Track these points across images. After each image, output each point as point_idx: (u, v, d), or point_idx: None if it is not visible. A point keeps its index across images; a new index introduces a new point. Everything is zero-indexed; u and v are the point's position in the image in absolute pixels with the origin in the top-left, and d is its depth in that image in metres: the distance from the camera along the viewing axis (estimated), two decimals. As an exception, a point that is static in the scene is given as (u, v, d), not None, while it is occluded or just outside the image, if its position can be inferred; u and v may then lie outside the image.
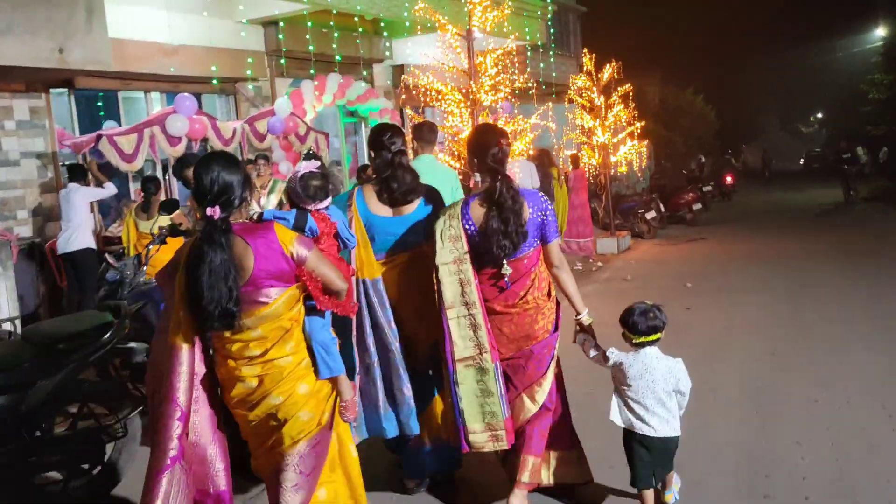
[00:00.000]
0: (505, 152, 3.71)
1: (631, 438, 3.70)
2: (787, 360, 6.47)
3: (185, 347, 3.06)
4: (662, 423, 3.63)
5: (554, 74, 17.14)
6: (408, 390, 3.90)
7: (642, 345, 3.63)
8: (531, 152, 13.47)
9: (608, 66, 13.83)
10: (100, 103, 10.48)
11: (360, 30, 13.07)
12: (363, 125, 14.42)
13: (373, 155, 4.10)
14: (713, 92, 36.84)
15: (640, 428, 3.64)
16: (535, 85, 19.87)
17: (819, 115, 55.93)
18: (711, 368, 6.19)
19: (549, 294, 3.84)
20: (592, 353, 3.81)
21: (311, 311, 3.24)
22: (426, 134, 5.11)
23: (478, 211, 3.69)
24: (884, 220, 16.67)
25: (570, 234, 13.56)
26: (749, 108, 47.36)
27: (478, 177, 3.83)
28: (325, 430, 3.21)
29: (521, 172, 11.63)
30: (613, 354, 3.71)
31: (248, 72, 11.81)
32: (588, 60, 13.81)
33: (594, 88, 13.65)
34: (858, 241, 13.41)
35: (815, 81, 46.86)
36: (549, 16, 16.66)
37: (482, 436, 3.72)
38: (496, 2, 15.37)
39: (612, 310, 4.21)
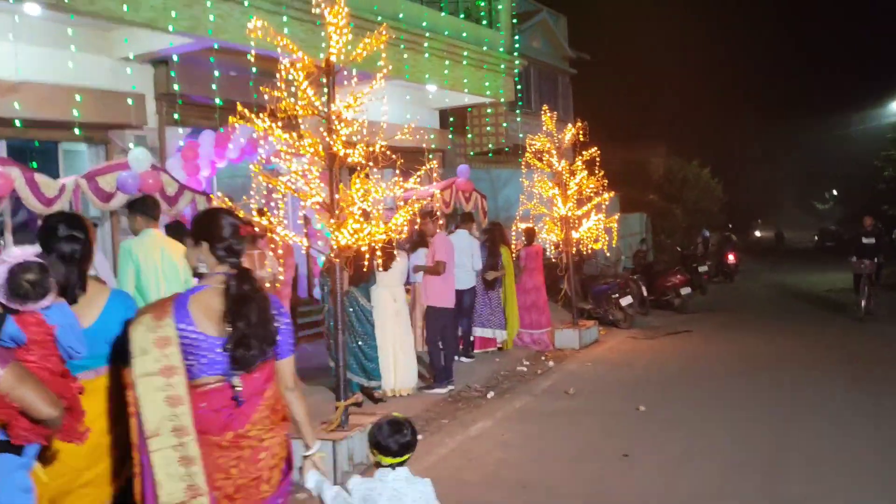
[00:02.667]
0: (241, 241, 3.16)
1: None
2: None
3: None
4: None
5: (521, 135, 15.08)
6: None
7: (392, 467, 3.19)
8: (483, 226, 11.28)
9: (570, 126, 11.73)
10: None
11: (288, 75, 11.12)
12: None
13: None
14: (722, 165, 34.89)
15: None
16: (496, 145, 17.85)
17: (834, 192, 53.85)
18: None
19: (284, 418, 3.26)
20: (330, 493, 3.20)
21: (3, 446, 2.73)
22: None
23: (202, 308, 3.05)
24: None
25: (522, 322, 11.25)
26: (760, 183, 45.37)
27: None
28: None
29: (459, 249, 9.45)
30: (357, 485, 3.19)
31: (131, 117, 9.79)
32: (547, 119, 11.72)
33: (552, 151, 11.53)
34: (871, 349, 10.99)
35: (829, 157, 44.93)
36: (517, 71, 14.69)
37: None
38: (453, 53, 13.55)
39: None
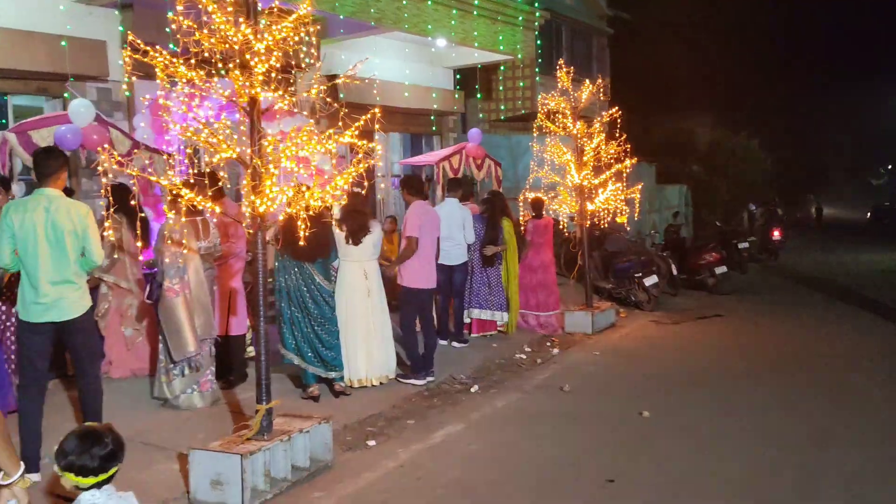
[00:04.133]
0: None
1: None
2: None
3: None
4: None
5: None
6: None
7: (98, 487, 2.70)
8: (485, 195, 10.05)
9: (587, 83, 10.38)
10: None
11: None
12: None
13: None
14: (772, 137, 32.88)
15: None
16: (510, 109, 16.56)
17: (889, 167, 51.07)
18: None
19: None
20: None
21: None
22: None
23: None
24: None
25: (528, 304, 10.04)
26: (810, 157, 43.03)
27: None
28: None
29: (448, 221, 8.27)
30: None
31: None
32: (563, 75, 10.38)
33: (567, 112, 10.21)
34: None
35: (885, 130, 42.36)
36: (537, 24, 13.33)
37: None
38: (462, 1, 12.24)
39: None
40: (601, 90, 10.39)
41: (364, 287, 7.02)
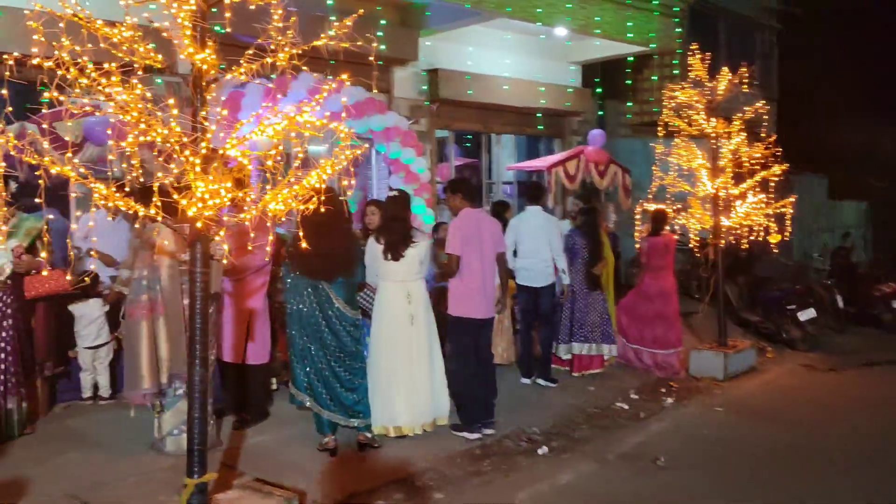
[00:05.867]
0: None
1: None
2: None
3: None
4: None
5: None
6: None
7: None
8: (576, 201, 8.38)
9: (724, 71, 8.44)
10: None
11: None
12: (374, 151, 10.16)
13: None
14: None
15: None
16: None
17: None
18: None
19: None
20: None
21: None
22: None
23: None
24: None
25: (642, 339, 8.27)
26: None
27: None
28: None
29: (531, 233, 6.80)
30: None
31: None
32: (696, 62, 8.51)
33: (699, 106, 8.34)
34: None
35: None
36: (676, 9, 11.42)
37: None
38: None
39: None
40: (743, 80, 8.41)
41: (406, 313, 5.63)
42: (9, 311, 5.29)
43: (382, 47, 9.47)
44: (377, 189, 10.50)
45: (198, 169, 3.39)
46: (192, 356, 3.46)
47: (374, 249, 5.58)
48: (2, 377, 5.20)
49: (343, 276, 5.19)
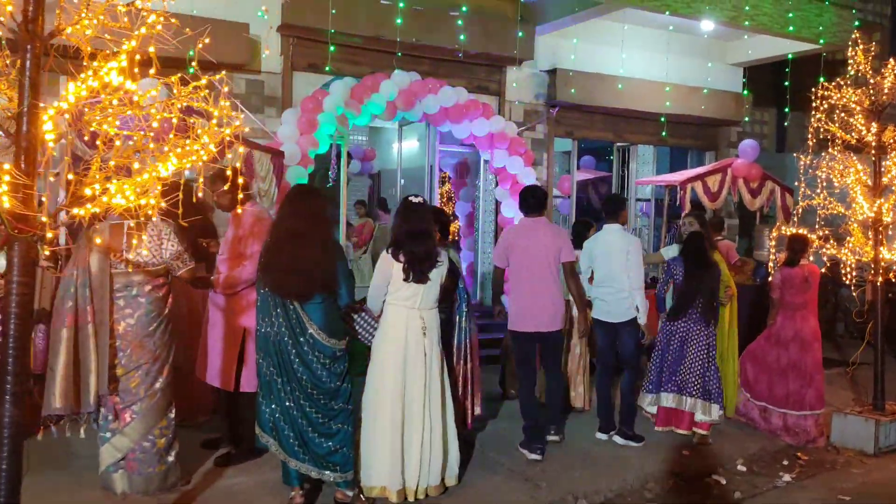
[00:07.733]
0: None
1: None
2: None
3: None
4: None
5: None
6: None
7: None
8: (690, 220, 6.92)
9: (890, 64, 6.66)
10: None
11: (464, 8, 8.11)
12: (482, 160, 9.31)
13: None
14: None
15: None
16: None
17: None
18: None
19: None
20: None
21: None
22: None
23: None
24: None
25: (772, 395, 6.69)
26: None
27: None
28: None
29: (607, 257, 5.69)
30: None
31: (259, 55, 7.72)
32: (860, 53, 6.80)
33: (859, 108, 6.63)
34: None
35: None
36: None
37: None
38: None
39: None
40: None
41: (422, 345, 4.68)
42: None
43: (490, 44, 8.61)
44: (483, 201, 9.62)
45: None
46: (1, 392, 2.76)
47: (388, 267, 4.67)
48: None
49: (319, 292, 4.32)
